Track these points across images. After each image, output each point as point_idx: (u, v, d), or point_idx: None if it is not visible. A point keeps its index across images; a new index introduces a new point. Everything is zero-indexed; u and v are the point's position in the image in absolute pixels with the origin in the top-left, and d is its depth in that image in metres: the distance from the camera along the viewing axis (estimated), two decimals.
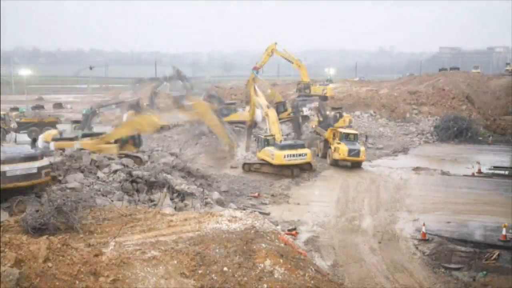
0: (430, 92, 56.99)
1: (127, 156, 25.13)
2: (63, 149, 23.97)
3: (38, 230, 10.65)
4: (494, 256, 17.06)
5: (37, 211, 11.08)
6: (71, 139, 28.56)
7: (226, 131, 26.30)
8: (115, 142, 27.58)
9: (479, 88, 58.96)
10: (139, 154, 26.44)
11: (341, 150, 31.63)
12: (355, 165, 32.21)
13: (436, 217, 21.85)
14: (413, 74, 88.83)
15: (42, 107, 72.65)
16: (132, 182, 19.47)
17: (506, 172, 31.15)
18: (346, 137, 32.90)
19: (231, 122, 44.20)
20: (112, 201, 16.64)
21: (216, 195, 22.65)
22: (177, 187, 20.43)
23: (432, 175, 31.06)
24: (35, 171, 15.52)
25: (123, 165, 21.50)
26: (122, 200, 16.75)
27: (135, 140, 28.25)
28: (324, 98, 52.87)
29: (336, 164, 32.41)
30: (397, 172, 31.57)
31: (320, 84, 58.28)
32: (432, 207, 23.48)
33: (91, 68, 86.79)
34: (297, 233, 19.68)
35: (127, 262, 8.76)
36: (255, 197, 25.12)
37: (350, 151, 31.30)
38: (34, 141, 32.65)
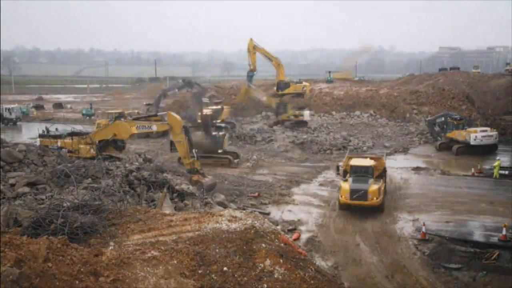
0: (430, 92, 56.97)
1: (111, 157, 25.35)
2: (47, 146, 24.62)
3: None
4: (494, 256, 17.07)
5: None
6: (55, 137, 28.92)
7: (187, 152, 26.25)
8: (99, 143, 27.79)
9: (479, 88, 58.97)
10: (121, 156, 26.84)
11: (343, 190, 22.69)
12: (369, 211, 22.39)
13: (436, 217, 21.85)
14: (413, 74, 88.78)
15: (42, 106, 72.83)
16: (132, 183, 19.47)
17: (506, 172, 31.15)
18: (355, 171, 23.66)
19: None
20: (112, 201, 16.60)
21: (220, 197, 22.68)
22: (177, 187, 20.43)
23: (432, 175, 31.07)
24: None
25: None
26: (122, 200, 16.72)
27: (117, 143, 28.57)
28: (300, 95, 53.44)
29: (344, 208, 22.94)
30: (397, 172, 31.58)
31: (297, 82, 57.37)
32: (432, 207, 23.48)
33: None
34: (299, 235, 19.69)
35: (127, 262, 8.75)
36: (255, 197, 25.14)
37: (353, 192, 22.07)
38: None
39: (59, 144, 26.97)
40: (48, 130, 32.53)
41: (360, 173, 23.24)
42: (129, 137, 27.82)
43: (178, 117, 27.48)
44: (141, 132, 28.44)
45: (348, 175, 23.66)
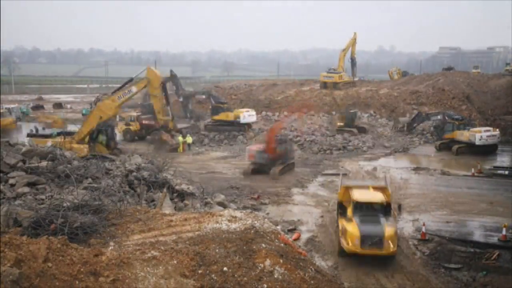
0: (430, 92, 56.97)
1: (102, 156, 25.40)
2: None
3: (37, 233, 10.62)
4: (494, 256, 17.07)
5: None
6: (45, 137, 28.93)
7: (162, 107, 26.48)
8: (89, 142, 27.85)
9: (479, 88, 58.89)
10: (112, 156, 26.79)
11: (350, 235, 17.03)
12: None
13: (436, 217, 21.86)
14: (413, 74, 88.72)
15: (42, 107, 72.82)
16: (131, 183, 19.47)
17: (506, 172, 31.17)
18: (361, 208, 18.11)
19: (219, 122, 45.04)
20: (112, 201, 16.61)
21: (220, 197, 22.66)
22: (177, 187, 20.43)
23: (432, 175, 31.07)
24: None
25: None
26: (122, 200, 16.74)
27: (107, 142, 28.57)
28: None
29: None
30: (397, 172, 31.57)
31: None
32: (432, 207, 23.48)
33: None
34: (299, 235, 19.68)
35: (127, 262, 8.75)
36: (255, 199, 25.05)
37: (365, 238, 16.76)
38: None
39: (49, 143, 26.94)
40: (37, 130, 32.63)
41: (368, 210, 17.96)
42: (115, 112, 27.77)
43: (157, 71, 27.65)
44: (125, 100, 28.33)
45: (349, 210, 18.41)
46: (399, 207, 18.73)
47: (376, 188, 19.63)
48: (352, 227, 17.04)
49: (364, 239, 16.60)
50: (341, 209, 19.21)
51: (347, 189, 19.72)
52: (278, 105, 57.23)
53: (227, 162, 34.94)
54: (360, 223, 17.20)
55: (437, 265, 16.99)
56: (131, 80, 28.61)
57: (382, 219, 17.52)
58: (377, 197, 18.49)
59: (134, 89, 27.28)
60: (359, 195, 18.47)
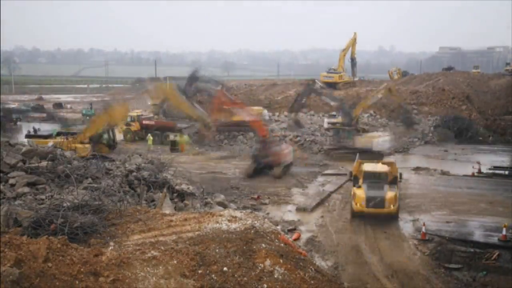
0: (430, 92, 56.96)
1: (102, 156, 25.42)
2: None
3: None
4: (494, 256, 17.07)
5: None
6: (45, 137, 28.83)
7: (195, 110, 26.30)
8: (89, 142, 27.89)
9: (479, 88, 58.93)
10: (112, 156, 26.81)
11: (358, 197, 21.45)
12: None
13: (436, 217, 21.85)
14: (413, 74, 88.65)
15: (42, 107, 72.83)
16: (132, 183, 19.46)
17: (506, 172, 31.15)
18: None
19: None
20: (112, 201, 16.59)
21: (220, 197, 22.65)
22: (177, 187, 20.42)
23: (432, 175, 31.06)
24: None
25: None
26: (122, 200, 16.74)
27: (109, 142, 28.55)
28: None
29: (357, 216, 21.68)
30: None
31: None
32: (432, 207, 23.48)
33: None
34: (299, 235, 19.69)
35: (127, 262, 8.75)
36: (255, 199, 25.05)
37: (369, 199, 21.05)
38: None
39: (50, 143, 26.90)
40: (35, 130, 32.61)
41: (374, 179, 22.24)
42: (124, 118, 27.71)
43: (167, 84, 27.72)
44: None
45: (360, 181, 22.63)
46: (400, 175, 23.88)
47: (385, 163, 24.54)
48: (360, 192, 21.48)
49: (369, 200, 20.92)
50: (355, 180, 23.42)
51: (361, 163, 24.04)
52: (278, 105, 57.22)
53: (227, 162, 34.93)
54: (367, 188, 21.60)
55: (437, 265, 16.99)
56: (139, 80, 28.81)
57: (385, 186, 21.90)
58: (381, 168, 23.20)
59: (149, 101, 27.21)
60: (367, 166, 23.23)
